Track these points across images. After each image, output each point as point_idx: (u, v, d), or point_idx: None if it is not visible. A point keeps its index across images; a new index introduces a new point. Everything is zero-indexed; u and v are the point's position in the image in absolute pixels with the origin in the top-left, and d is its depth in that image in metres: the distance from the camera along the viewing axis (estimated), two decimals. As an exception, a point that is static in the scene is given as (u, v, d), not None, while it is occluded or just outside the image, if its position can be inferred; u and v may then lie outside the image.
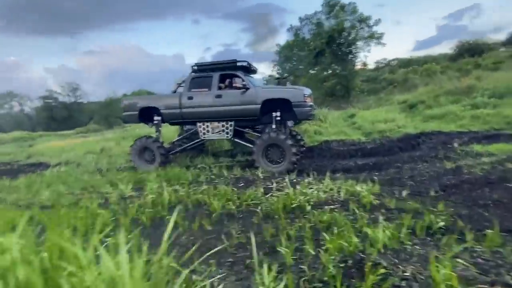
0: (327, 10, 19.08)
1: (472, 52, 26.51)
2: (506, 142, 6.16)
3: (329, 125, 10.85)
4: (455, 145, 6.23)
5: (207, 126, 6.56)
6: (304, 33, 20.11)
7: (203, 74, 6.62)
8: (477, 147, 5.80)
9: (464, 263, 1.89)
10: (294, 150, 5.64)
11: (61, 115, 51.84)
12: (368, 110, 13.18)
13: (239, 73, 6.36)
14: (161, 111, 6.77)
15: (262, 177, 5.04)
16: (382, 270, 1.75)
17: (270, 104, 6.08)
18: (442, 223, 2.57)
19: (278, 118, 6.17)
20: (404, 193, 3.69)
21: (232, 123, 6.38)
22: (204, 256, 1.96)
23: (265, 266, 1.88)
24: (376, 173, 5.22)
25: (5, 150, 18.02)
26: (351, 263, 2.00)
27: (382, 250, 2.22)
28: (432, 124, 9.02)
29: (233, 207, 3.57)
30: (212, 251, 2.04)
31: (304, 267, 1.98)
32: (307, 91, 6.10)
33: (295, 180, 4.63)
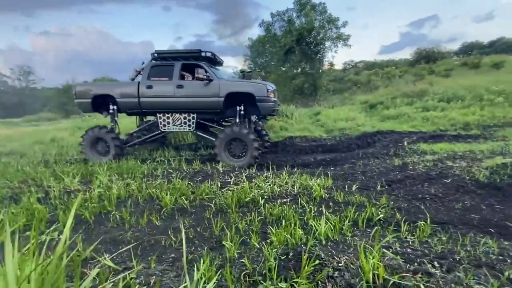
0: (299, 8, 19.32)
1: (427, 59, 28.85)
2: (448, 142, 6.78)
3: (295, 122, 11.07)
4: (405, 143, 6.71)
5: (168, 118, 6.28)
6: (275, 29, 20.20)
7: (164, 62, 6.30)
8: (423, 146, 6.29)
9: (394, 253, 2.01)
10: (256, 144, 5.64)
11: (9, 101, 46.51)
12: (332, 108, 13.68)
13: (202, 64, 6.15)
14: (117, 100, 6.33)
15: (221, 171, 4.96)
16: (318, 262, 1.78)
17: (234, 98, 5.99)
18: (381, 216, 2.72)
19: (242, 112, 6.12)
20: (354, 187, 3.86)
21: (195, 115, 6.18)
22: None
23: (203, 261, 1.83)
24: (332, 168, 5.43)
25: None
26: (291, 255, 2.02)
27: (324, 242, 2.28)
28: (387, 124, 9.64)
29: (186, 201, 3.45)
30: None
31: (244, 260, 1.95)
32: (271, 86, 6.11)
33: (253, 174, 4.63)
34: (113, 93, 6.32)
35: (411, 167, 4.83)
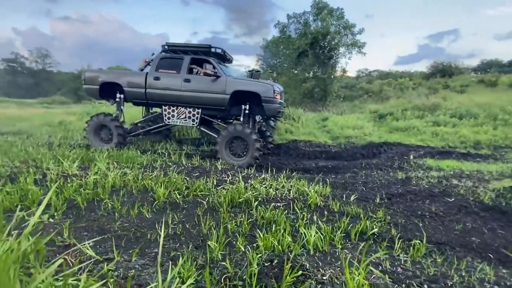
0: (316, 11, 19.16)
1: (443, 73, 28.28)
2: (456, 159, 6.58)
3: (301, 126, 10.95)
4: (411, 157, 6.54)
5: (172, 111, 6.26)
6: (290, 31, 20.08)
7: (174, 55, 6.28)
8: (429, 161, 6.12)
9: (383, 271, 1.91)
10: (257, 145, 5.57)
11: (26, 82, 47.71)
12: (341, 115, 13.49)
13: (211, 60, 6.12)
14: (124, 88, 6.35)
15: (220, 168, 4.92)
16: (301, 272, 1.71)
17: (240, 97, 5.93)
18: (376, 230, 2.62)
19: (247, 112, 6.05)
20: (352, 197, 3.76)
21: (199, 110, 6.14)
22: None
23: (182, 258, 1.77)
24: (333, 176, 5.32)
25: (-51, 111, 16.16)
26: (276, 262, 1.95)
27: (312, 252, 2.20)
28: (395, 136, 9.43)
29: (179, 196, 3.41)
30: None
31: (225, 263, 1.89)
32: (278, 87, 6.02)
33: (251, 175, 4.57)
34: (120, 82, 6.34)
35: (414, 182, 4.69)
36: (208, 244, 2.24)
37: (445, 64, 29.89)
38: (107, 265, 1.95)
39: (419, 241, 2.42)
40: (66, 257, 2.08)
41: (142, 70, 6.72)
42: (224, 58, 6.75)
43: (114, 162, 4.90)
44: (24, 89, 46.36)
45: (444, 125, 10.13)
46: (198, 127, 6.39)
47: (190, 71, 6.23)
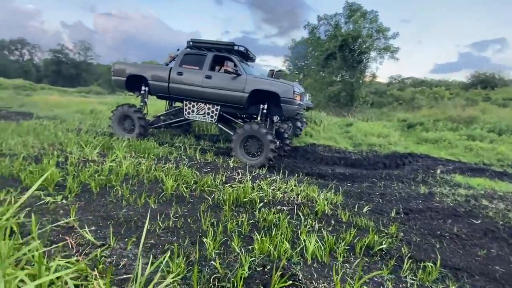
0: (348, 13, 18.59)
1: (485, 84, 26.13)
2: (490, 178, 5.99)
3: (322, 130, 10.66)
4: (438, 171, 6.06)
5: (193, 106, 6.37)
6: (320, 32, 19.66)
7: (198, 52, 6.38)
8: (458, 178, 5.63)
9: (384, 291, 1.75)
10: (272, 146, 5.47)
11: (68, 72, 51.60)
12: (366, 122, 12.94)
13: (233, 57, 6.12)
14: (149, 81, 6.57)
15: (231, 166, 4.90)
16: (290, 283, 1.61)
17: (259, 96, 5.88)
18: (384, 246, 2.43)
19: (265, 111, 5.98)
20: (366, 208, 3.55)
21: (218, 107, 6.18)
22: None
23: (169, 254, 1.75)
24: (349, 184, 5.08)
25: (1, 95, 17.88)
26: (268, 268, 1.87)
27: (310, 262, 2.09)
28: (423, 147, 8.83)
29: (186, 190, 3.43)
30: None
31: (215, 263, 1.84)
32: (298, 88, 5.87)
33: (262, 175, 4.49)
34: (146, 75, 6.56)
35: (437, 199, 4.33)
36: (204, 241, 2.21)
37: (488, 75, 27.64)
38: (102, 250, 1.99)
39: (432, 264, 2.20)
40: (67, 238, 2.17)
41: (167, 64, 6.92)
42: (247, 56, 6.74)
43: (132, 151, 5.09)
44: (67, 78, 50.15)
45: (480, 140, 9.30)
46: (215, 123, 6.44)
47: (213, 67, 6.28)
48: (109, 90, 35.25)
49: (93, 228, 2.36)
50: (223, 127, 6.57)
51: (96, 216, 2.65)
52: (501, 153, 8.20)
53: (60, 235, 2.21)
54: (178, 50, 6.73)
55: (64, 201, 2.97)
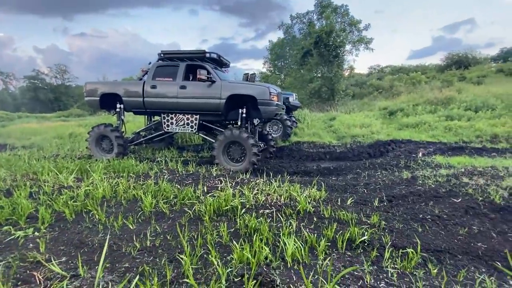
0: (319, 10, 18.90)
1: (459, 64, 27.04)
2: (469, 155, 6.14)
3: (306, 126, 10.72)
4: (420, 154, 6.17)
5: (171, 118, 6.26)
6: (295, 31, 19.89)
7: (169, 63, 6.30)
8: (439, 158, 5.74)
9: (363, 286, 1.72)
10: (255, 150, 5.43)
11: (47, 97, 50.22)
12: (349, 114, 13.12)
13: (206, 65, 6.07)
14: (123, 98, 6.42)
15: (214, 174, 4.82)
16: (265, 290, 1.56)
17: (237, 101, 5.84)
18: (366, 237, 2.41)
19: (244, 115, 5.94)
20: (350, 200, 3.54)
21: (197, 116, 6.09)
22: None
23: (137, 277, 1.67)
24: (334, 178, 5.09)
25: (-26, 128, 17.13)
26: (247, 277, 1.81)
27: (290, 264, 2.04)
28: (405, 132, 9.00)
29: (166, 206, 3.34)
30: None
31: (189, 280, 1.76)
32: (274, 89, 5.87)
33: (246, 180, 4.44)
34: (119, 92, 6.42)
35: (420, 182, 4.38)
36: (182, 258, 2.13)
37: (460, 55, 28.62)
38: (71, 282, 1.89)
39: (413, 249, 2.20)
40: (35, 273, 2.05)
41: (140, 79, 6.79)
42: (220, 63, 6.70)
43: (111, 172, 4.94)
44: (45, 104, 48.78)
45: (458, 119, 9.58)
46: (196, 133, 6.35)
47: (187, 77, 6.21)
48: (90, 111, 34.49)
49: (63, 259, 2.24)
50: (205, 136, 6.49)
51: (68, 245, 2.52)
52: (479, 129, 8.45)
53: (28, 271, 2.09)
54: (150, 63, 6.63)
55: (36, 233, 2.83)
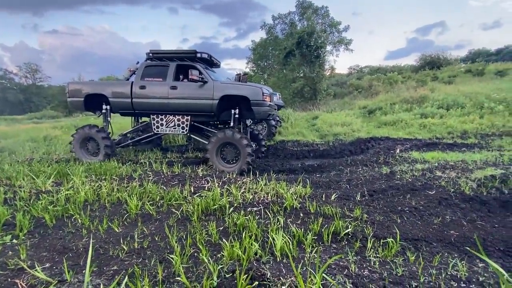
0: (301, 11, 19.25)
1: (432, 65, 28.49)
2: (442, 150, 6.54)
3: (290, 126, 10.90)
4: (397, 151, 6.49)
5: (161, 119, 6.09)
6: (277, 31, 20.13)
7: (159, 63, 6.14)
8: (415, 154, 6.07)
9: (348, 275, 1.83)
10: (249, 150, 5.39)
11: (16, 98, 47.30)
12: (331, 113, 13.47)
13: (197, 65, 5.97)
14: (110, 99, 6.19)
15: (201, 175, 4.81)
16: (256, 283, 1.61)
17: (229, 101, 5.80)
18: (350, 229, 2.53)
19: (237, 116, 5.90)
20: (333, 196, 3.68)
21: (189, 117, 5.98)
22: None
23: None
24: (318, 175, 5.24)
25: None
26: (238, 273, 1.85)
27: (279, 258, 2.11)
28: (383, 130, 9.40)
29: (153, 207, 3.30)
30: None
31: (181, 278, 1.78)
32: (267, 90, 5.87)
33: (232, 180, 4.47)
34: (105, 93, 6.19)
35: (398, 176, 4.62)
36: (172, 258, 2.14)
37: (433, 56, 30.12)
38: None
39: (393, 239, 2.34)
40: (17, 281, 1.98)
41: (127, 79, 6.59)
42: (211, 63, 6.62)
43: (92, 175, 4.79)
44: (15, 105, 45.94)
45: (431, 117, 10.14)
46: (188, 134, 6.24)
47: (177, 78, 6.10)
48: (64, 113, 32.90)
49: (47, 265, 2.18)
50: (197, 137, 6.38)
51: (51, 251, 2.45)
52: (450, 126, 9.00)
53: (9, 279, 2.01)
54: (138, 63, 6.45)
55: (14, 240, 2.71)
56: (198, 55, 6.08)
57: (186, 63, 6.08)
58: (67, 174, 4.64)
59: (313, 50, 16.81)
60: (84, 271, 2.05)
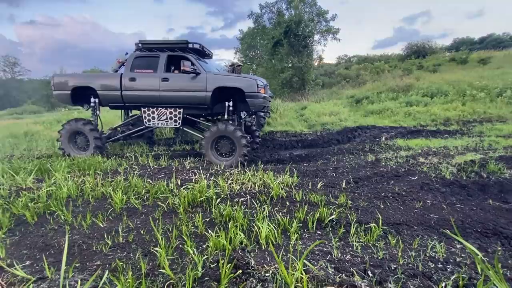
0: (288, 0, 18.97)
1: (418, 54, 28.90)
2: (425, 137, 6.71)
3: (279, 116, 10.90)
4: (383, 139, 6.61)
5: (153, 113, 5.93)
6: (264, 21, 19.81)
7: (149, 53, 5.92)
8: (400, 142, 6.20)
9: (331, 260, 1.86)
10: (244, 142, 5.31)
11: (-6, 93, 45.16)
12: (319, 103, 13.54)
13: (189, 56, 5.80)
14: (98, 92, 5.97)
15: (188, 167, 4.77)
16: (240, 272, 1.63)
17: (223, 93, 5.69)
18: (334, 216, 2.58)
19: (231, 108, 5.80)
20: (320, 184, 3.73)
21: (181, 110, 5.84)
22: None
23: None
24: (306, 164, 5.29)
25: None
26: (222, 263, 1.86)
27: (264, 247, 2.13)
28: (370, 119, 9.55)
29: (138, 201, 3.26)
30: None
31: (165, 271, 1.78)
32: (261, 81, 5.77)
33: (220, 171, 4.46)
34: (93, 85, 5.95)
35: (383, 164, 4.73)
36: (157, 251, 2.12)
37: (419, 45, 30.53)
38: (38, 285, 1.81)
39: (375, 224, 2.40)
40: (-4, 280, 1.92)
41: (116, 71, 6.35)
42: (203, 53, 6.43)
43: (75, 170, 4.67)
44: (-7, 100, 43.91)
45: (416, 105, 10.35)
46: (181, 127, 6.11)
47: (168, 69, 5.92)
48: (47, 107, 31.72)
49: (28, 262, 2.13)
50: (190, 131, 6.25)
51: (32, 248, 2.38)
52: (434, 114, 9.23)
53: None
54: (127, 54, 6.20)
55: (-5, 239, 2.63)
56: (190, 45, 5.90)
57: (178, 54, 5.89)
58: (48, 170, 4.50)
59: (301, 39, 16.68)
60: (68, 267, 2.01)
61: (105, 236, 2.48)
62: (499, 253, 2.13)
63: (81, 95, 6.17)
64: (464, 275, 1.67)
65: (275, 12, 19.37)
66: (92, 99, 6.16)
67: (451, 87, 11.72)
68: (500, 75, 12.41)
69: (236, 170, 4.46)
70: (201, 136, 5.64)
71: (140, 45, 5.98)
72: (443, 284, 1.58)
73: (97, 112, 6.32)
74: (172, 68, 6.05)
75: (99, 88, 5.97)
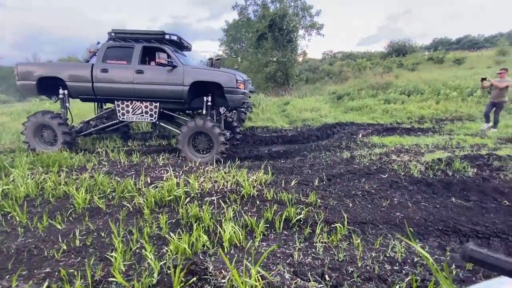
0: (273, -8, 18.73)
1: (398, 52, 29.66)
2: (400, 135, 6.89)
3: (261, 111, 10.83)
4: (359, 136, 6.73)
5: (127, 106, 5.63)
6: (249, 13, 19.49)
7: (123, 44, 5.60)
8: (375, 139, 6.33)
9: (291, 263, 1.84)
10: (222, 139, 5.19)
11: (-43, 81, 41.77)
12: (302, 98, 13.59)
13: (166, 48, 5.53)
14: (67, 83, 5.59)
15: (161, 164, 4.62)
16: (194, 279, 1.56)
17: (201, 88, 5.49)
18: (301, 216, 2.57)
19: (209, 104, 5.62)
20: (293, 182, 3.72)
21: (157, 104, 5.60)
22: None
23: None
24: (283, 161, 5.28)
25: None
26: (176, 269, 1.79)
27: (227, 249, 2.08)
28: (349, 115, 9.70)
29: (102, 201, 3.10)
30: None
31: (116, 278, 1.68)
32: (241, 76, 5.61)
33: (194, 168, 4.34)
34: (62, 76, 5.56)
35: (357, 161, 4.79)
36: (113, 256, 2.01)
37: (400, 44, 31.31)
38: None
39: (341, 224, 2.41)
40: None
41: (87, 61, 5.97)
42: (180, 45, 6.16)
43: (38, 167, 4.39)
44: (-44, 89, 40.65)
45: (394, 102, 10.62)
46: (157, 122, 5.86)
47: (143, 61, 5.63)
48: (17, 97, 29.78)
49: (-32, 271, 1.95)
50: (167, 126, 6.02)
51: (-23, 254, 2.20)
52: (410, 111, 9.51)
53: None
54: (99, 43, 5.83)
55: None
56: (167, 36, 5.63)
57: (153, 45, 5.62)
58: (5, 167, 4.19)
59: (285, 34, 16.58)
60: (13, 276, 1.86)
61: (61, 239, 2.33)
62: (449, 253, 2.20)
63: (48, 86, 5.77)
64: (418, 277, 1.70)
65: (260, 5, 19.10)
66: (61, 91, 5.78)
67: (427, 86, 12.11)
68: (473, 75, 12.97)
69: (211, 167, 4.37)
70: (178, 132, 5.46)
71: (113, 34, 5.65)
72: (397, 287, 1.60)
73: (66, 104, 5.95)
74: (148, 60, 5.78)
75: (68, 79, 5.61)
